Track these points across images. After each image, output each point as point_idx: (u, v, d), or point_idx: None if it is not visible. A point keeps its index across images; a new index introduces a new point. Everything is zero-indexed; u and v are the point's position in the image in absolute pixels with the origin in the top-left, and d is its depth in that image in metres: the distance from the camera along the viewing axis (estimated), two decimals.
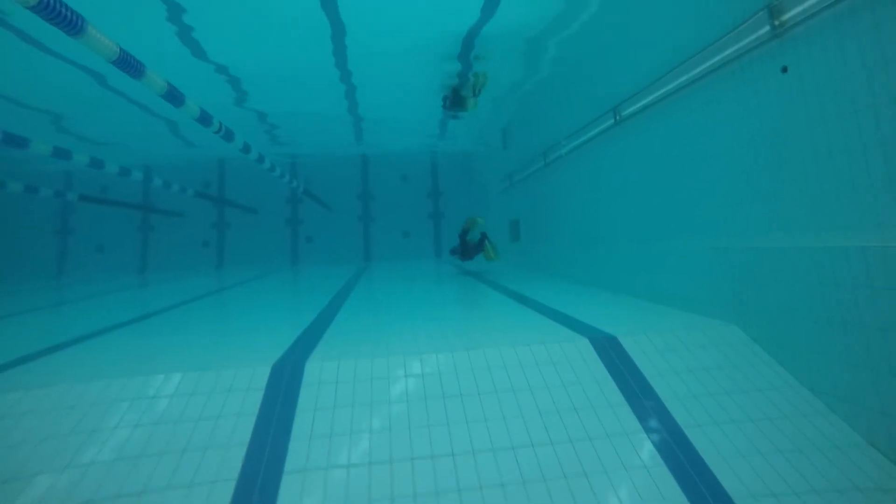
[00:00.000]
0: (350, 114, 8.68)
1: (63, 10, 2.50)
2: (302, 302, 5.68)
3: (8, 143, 5.13)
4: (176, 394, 2.43)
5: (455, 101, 6.84)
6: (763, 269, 2.86)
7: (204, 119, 4.71)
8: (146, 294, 7.50)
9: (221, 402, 2.39)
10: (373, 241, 14.39)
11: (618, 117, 4.63)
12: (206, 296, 6.48)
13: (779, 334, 2.73)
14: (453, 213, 14.57)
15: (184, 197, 12.09)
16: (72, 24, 2.60)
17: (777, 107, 2.76)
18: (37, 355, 3.15)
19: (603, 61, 5.08)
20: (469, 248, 9.06)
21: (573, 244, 6.05)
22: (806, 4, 2.48)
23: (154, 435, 2.20)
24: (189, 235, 13.26)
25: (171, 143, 10.46)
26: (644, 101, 4.12)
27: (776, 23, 2.67)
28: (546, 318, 3.70)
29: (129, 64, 3.24)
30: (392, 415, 2.34)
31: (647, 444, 2.18)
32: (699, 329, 3.02)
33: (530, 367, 2.70)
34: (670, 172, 3.91)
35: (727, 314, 3.16)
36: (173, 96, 4.03)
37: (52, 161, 10.34)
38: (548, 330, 3.29)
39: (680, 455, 2.12)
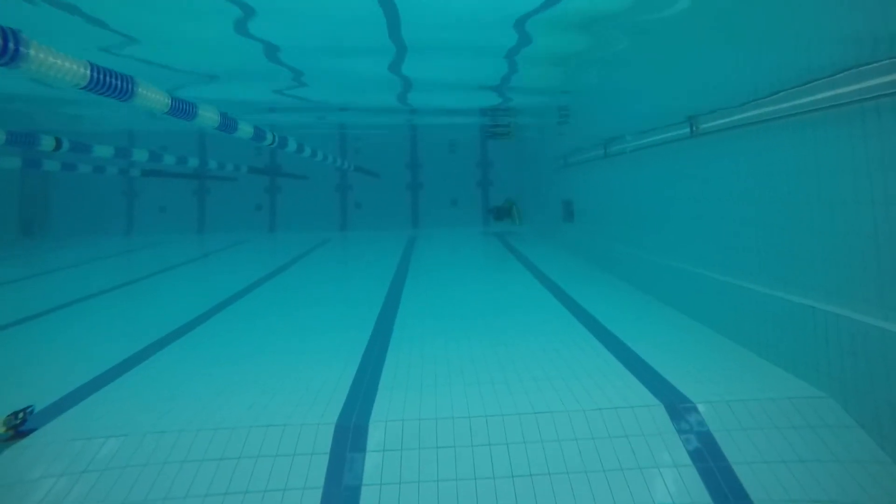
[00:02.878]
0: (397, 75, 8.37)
1: (114, 80, 2.39)
2: (358, 296, 5.73)
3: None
4: (243, 455, 2.44)
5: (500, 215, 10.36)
6: (880, 355, 2.52)
7: (258, 136, 4.64)
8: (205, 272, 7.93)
9: (286, 469, 2.38)
10: (421, 209, 14.28)
11: (694, 129, 4.18)
12: (264, 281, 6.64)
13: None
14: (501, 184, 14.24)
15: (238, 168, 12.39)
16: (123, 92, 2.49)
17: None
18: None
19: (684, 63, 4.56)
20: (502, 213, 12.99)
21: (639, 246, 5.70)
22: None
23: None
24: (243, 199, 13.56)
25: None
26: (746, 115, 3.64)
27: None
28: (611, 355, 3.52)
29: (182, 110, 3.15)
30: (459, 494, 2.27)
31: None
32: (790, 402, 2.75)
33: (602, 440, 2.55)
34: (758, 203, 3.52)
35: (820, 380, 2.87)
36: (227, 125, 3.95)
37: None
38: (615, 375, 3.13)
39: None
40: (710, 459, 2.44)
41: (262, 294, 5.94)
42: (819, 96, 2.86)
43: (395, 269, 7.26)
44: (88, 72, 2.41)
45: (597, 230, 7.46)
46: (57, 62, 2.30)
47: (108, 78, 2.39)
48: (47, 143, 6.79)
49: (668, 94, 4.82)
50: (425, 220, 14.21)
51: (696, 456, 2.45)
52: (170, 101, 3.00)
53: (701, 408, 2.71)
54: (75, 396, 3.01)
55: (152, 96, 2.82)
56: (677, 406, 2.73)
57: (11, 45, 2.01)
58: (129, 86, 2.58)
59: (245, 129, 4.33)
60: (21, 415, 2.55)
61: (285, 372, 3.34)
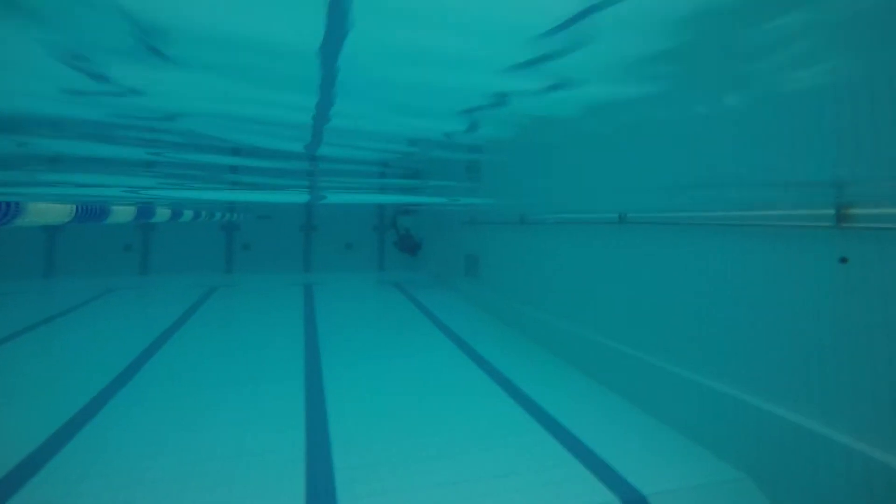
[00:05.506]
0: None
1: None
2: (272, 404, 4.25)
3: None
4: None
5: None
6: (791, 443, 2.98)
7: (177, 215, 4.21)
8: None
9: None
10: (314, 252, 13.75)
11: (622, 218, 4.69)
12: (139, 364, 5.71)
13: None
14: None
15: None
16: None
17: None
18: None
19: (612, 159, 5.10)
20: (408, 241, 11.58)
21: (559, 315, 6.05)
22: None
23: None
24: (108, 237, 11.81)
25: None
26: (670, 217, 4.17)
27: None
28: (550, 436, 3.68)
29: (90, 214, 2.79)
30: None
31: None
32: (719, 488, 3.12)
33: None
34: (682, 297, 4.02)
35: (737, 461, 3.30)
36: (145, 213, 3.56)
37: None
38: (559, 461, 3.28)
39: None
40: None
41: (134, 396, 4.38)
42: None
43: (303, 346, 6.23)
44: None
45: (507, 291, 7.81)
46: None
47: None
48: None
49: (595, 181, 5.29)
50: (318, 263, 13.69)
51: None
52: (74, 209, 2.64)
53: (651, 501, 2.95)
54: None
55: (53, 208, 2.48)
56: (631, 501, 2.93)
57: None
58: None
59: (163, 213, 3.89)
60: None
61: None
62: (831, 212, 2.86)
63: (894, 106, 2.32)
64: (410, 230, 12.09)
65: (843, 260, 2.75)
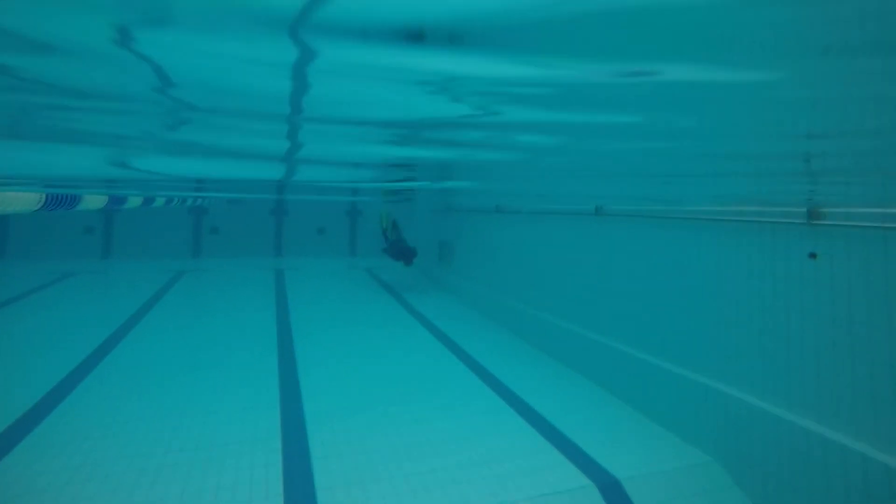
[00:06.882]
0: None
1: None
2: (241, 400, 4.03)
3: None
4: None
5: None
6: (756, 428, 3.11)
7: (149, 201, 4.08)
8: None
9: None
10: (285, 236, 13.49)
11: (598, 210, 4.75)
12: (102, 353, 5.51)
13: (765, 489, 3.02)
14: (372, 213, 14.10)
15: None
16: None
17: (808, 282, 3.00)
18: None
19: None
20: (400, 246, 8.80)
21: (536, 305, 6.11)
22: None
23: None
24: (68, 219, 11.27)
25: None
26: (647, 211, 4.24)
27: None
28: (527, 424, 3.76)
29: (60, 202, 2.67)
30: None
31: None
32: (689, 472, 3.24)
33: None
34: (660, 288, 4.12)
35: (705, 445, 3.43)
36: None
37: None
38: (533, 446, 3.38)
39: None
40: None
41: (98, 384, 4.23)
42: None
43: (275, 335, 6.03)
44: None
45: (481, 279, 7.85)
46: None
47: None
48: None
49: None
50: (290, 248, 13.44)
51: None
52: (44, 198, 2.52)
53: (625, 484, 3.04)
54: None
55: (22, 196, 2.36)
56: (606, 484, 3.02)
57: None
58: None
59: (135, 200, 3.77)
60: None
61: None
62: (803, 209, 2.96)
63: None
64: (402, 234, 9.86)
65: (813, 255, 2.86)
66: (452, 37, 0.83)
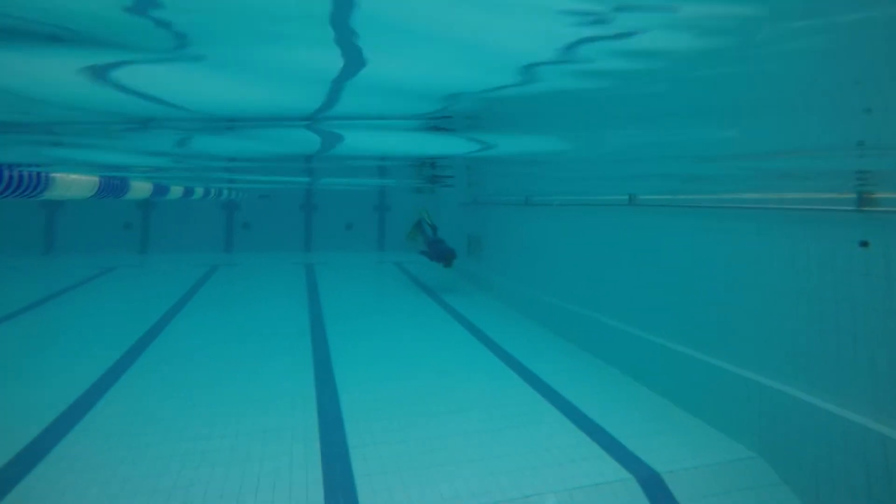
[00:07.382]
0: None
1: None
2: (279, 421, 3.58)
3: None
4: None
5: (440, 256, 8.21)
6: (806, 423, 3.01)
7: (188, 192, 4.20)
8: None
9: None
10: (315, 231, 13.68)
11: (632, 200, 4.67)
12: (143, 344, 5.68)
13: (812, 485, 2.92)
14: (399, 208, 14.16)
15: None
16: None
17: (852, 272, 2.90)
18: None
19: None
20: (440, 247, 8.32)
21: (570, 300, 6.01)
22: None
23: None
24: (108, 215, 11.69)
25: None
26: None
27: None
28: (566, 419, 3.72)
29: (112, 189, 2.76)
30: None
31: None
32: (733, 467, 3.16)
33: None
34: (698, 280, 4.03)
35: (749, 440, 3.34)
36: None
37: None
38: (571, 439, 3.36)
39: None
40: None
41: (139, 379, 4.26)
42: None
43: (309, 330, 5.95)
44: None
45: (510, 272, 7.81)
46: None
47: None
48: None
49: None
50: (318, 243, 13.63)
51: None
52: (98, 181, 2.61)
53: (665, 478, 2.99)
54: None
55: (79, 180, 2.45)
56: (646, 478, 2.97)
57: None
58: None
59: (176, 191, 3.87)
60: None
61: None
62: (853, 195, 2.85)
63: None
64: (438, 233, 9.37)
65: (864, 243, 2.75)
66: None
